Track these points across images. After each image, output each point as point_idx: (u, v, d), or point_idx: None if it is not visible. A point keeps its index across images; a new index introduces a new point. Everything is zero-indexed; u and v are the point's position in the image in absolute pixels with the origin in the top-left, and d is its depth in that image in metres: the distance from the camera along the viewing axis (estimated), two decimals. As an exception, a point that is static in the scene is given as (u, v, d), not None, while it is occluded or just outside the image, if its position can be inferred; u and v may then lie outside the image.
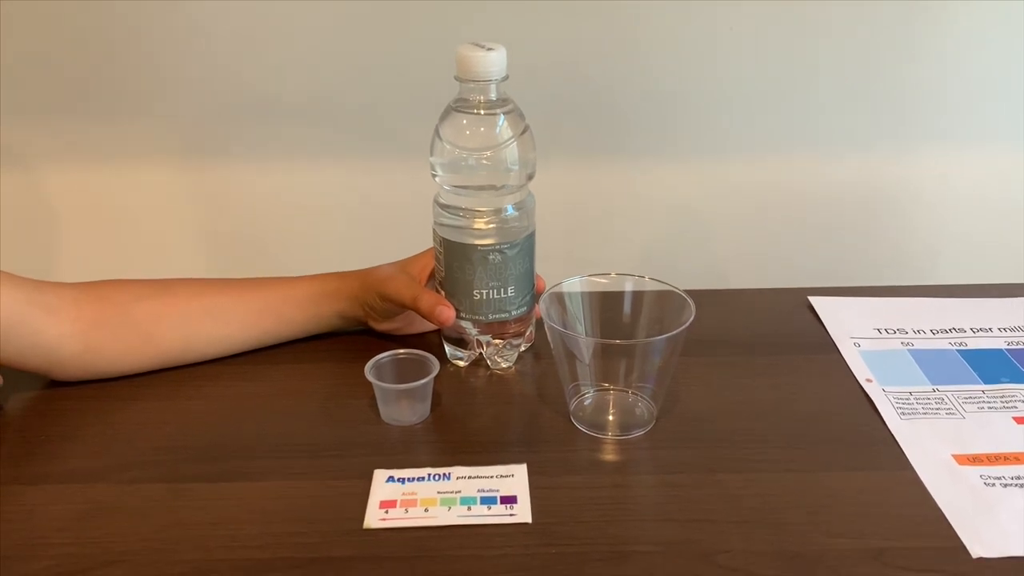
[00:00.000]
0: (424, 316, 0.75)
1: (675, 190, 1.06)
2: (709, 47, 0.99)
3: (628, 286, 0.73)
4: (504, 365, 0.78)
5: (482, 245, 0.73)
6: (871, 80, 1.01)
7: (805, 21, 0.98)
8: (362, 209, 1.05)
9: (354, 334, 0.82)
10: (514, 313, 0.76)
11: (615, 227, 1.07)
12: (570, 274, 0.73)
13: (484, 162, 0.72)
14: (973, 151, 1.04)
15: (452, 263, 0.74)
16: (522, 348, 0.79)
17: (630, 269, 0.74)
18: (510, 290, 0.74)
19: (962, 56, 1.00)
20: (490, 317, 0.75)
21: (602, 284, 0.73)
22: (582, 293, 0.73)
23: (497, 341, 0.77)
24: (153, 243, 1.08)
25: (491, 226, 0.73)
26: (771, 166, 1.05)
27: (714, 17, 0.98)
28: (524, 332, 0.78)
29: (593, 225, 1.07)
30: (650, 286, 0.72)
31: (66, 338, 0.71)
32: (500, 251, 0.73)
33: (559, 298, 0.72)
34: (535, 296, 0.77)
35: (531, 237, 0.75)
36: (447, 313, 0.74)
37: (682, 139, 1.03)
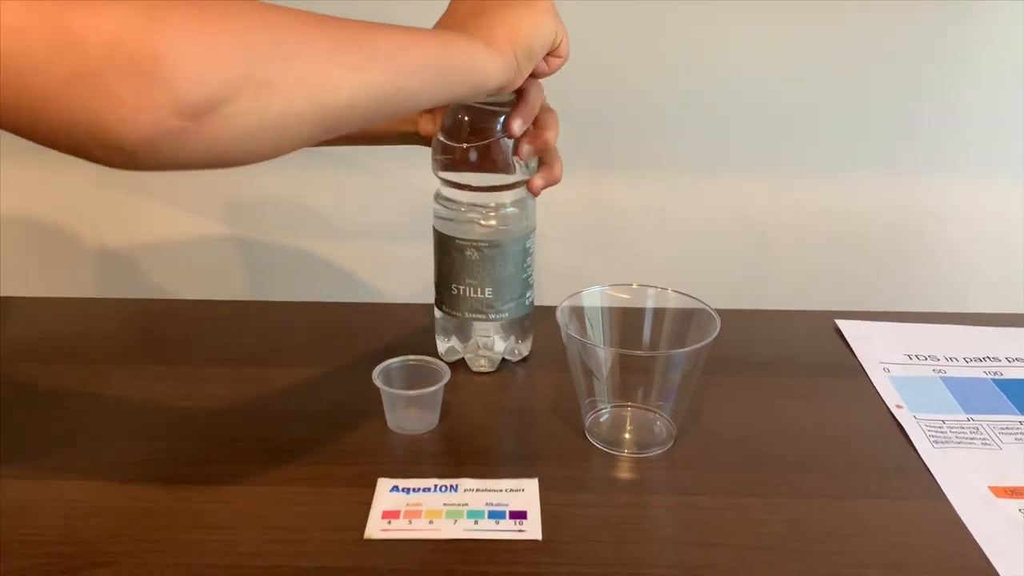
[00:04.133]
0: None
1: (699, 209, 1.03)
2: (743, 68, 0.98)
3: (650, 299, 0.70)
4: (485, 367, 0.75)
5: (460, 240, 0.71)
6: (905, 108, 0.99)
7: (844, 46, 0.96)
8: (365, 205, 1.04)
9: (363, 332, 0.80)
10: (491, 316, 0.73)
11: (635, 242, 1.04)
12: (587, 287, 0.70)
13: (482, 155, 0.69)
14: (1006, 181, 1.02)
15: (438, 254, 0.73)
16: (510, 358, 0.76)
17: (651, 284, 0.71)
18: (487, 291, 0.72)
19: (1001, 86, 0.98)
20: (466, 315, 0.73)
21: (623, 295, 0.70)
22: (602, 307, 0.70)
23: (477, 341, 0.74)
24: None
25: (489, 223, 0.71)
26: (797, 189, 1.03)
27: (747, 38, 0.96)
28: (507, 339, 0.75)
29: (613, 239, 1.04)
30: (672, 299, 0.69)
31: None
32: (478, 248, 0.70)
33: (578, 309, 0.69)
34: (524, 306, 0.74)
35: (522, 241, 0.72)
36: None
37: (709, 157, 1.01)
